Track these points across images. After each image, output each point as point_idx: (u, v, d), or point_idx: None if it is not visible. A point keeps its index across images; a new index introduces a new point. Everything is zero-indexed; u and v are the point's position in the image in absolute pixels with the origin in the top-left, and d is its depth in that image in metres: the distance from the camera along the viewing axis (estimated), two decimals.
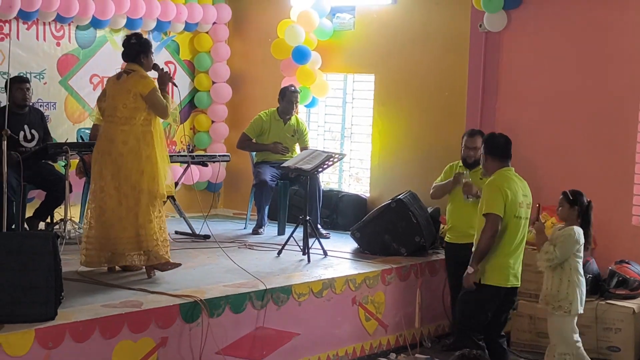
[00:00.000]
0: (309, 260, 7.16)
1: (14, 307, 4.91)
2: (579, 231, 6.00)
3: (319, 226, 8.24)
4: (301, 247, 7.34)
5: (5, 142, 6.54)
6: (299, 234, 7.41)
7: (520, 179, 6.25)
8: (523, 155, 7.10)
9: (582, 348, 6.10)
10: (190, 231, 8.11)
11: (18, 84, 7.59)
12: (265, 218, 8.54)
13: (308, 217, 7.40)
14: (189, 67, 9.93)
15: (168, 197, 6.68)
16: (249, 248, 7.68)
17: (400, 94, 8.86)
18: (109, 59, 8.84)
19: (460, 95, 8.30)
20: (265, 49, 9.52)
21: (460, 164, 7.16)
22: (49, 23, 8.48)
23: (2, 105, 7.48)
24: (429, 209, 7.88)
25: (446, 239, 7.23)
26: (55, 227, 7.55)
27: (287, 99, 8.62)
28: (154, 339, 5.43)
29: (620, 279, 7.04)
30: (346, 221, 8.65)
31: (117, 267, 6.39)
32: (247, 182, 9.19)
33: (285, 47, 9.15)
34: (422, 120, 8.71)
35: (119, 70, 6.54)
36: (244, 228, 8.69)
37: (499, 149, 6.24)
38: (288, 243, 7.41)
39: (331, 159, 7.62)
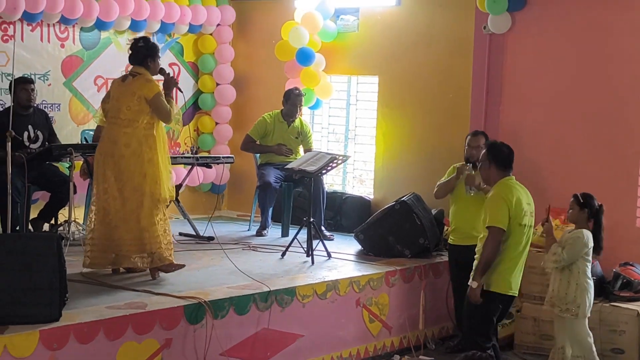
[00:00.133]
0: (312, 262, 7.16)
1: (19, 308, 4.92)
2: (587, 234, 5.99)
3: (323, 228, 8.23)
4: (305, 249, 7.35)
5: (10, 143, 6.55)
6: (303, 235, 7.40)
7: (522, 187, 6.15)
8: (527, 156, 7.09)
9: (595, 352, 6.10)
10: (194, 233, 8.12)
11: (22, 85, 7.60)
12: (269, 220, 8.54)
13: (312, 219, 7.41)
14: (192, 68, 9.93)
15: (170, 200, 6.68)
16: (253, 250, 7.68)
17: (404, 95, 8.85)
18: (113, 60, 8.86)
19: (464, 97, 8.29)
20: (269, 50, 9.52)
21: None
22: (54, 25, 8.47)
23: (6, 107, 7.49)
24: (433, 211, 7.88)
25: (449, 240, 7.21)
26: (60, 228, 7.56)
27: (292, 102, 8.61)
28: (159, 340, 5.43)
29: (625, 281, 7.03)
30: (350, 223, 8.64)
31: (121, 269, 6.39)
32: (251, 183, 9.19)
33: (289, 48, 9.14)
34: (426, 122, 8.70)
35: (124, 72, 6.54)
36: (248, 230, 8.69)
37: (502, 158, 6.14)
38: (292, 245, 7.41)
39: (335, 161, 7.62)
